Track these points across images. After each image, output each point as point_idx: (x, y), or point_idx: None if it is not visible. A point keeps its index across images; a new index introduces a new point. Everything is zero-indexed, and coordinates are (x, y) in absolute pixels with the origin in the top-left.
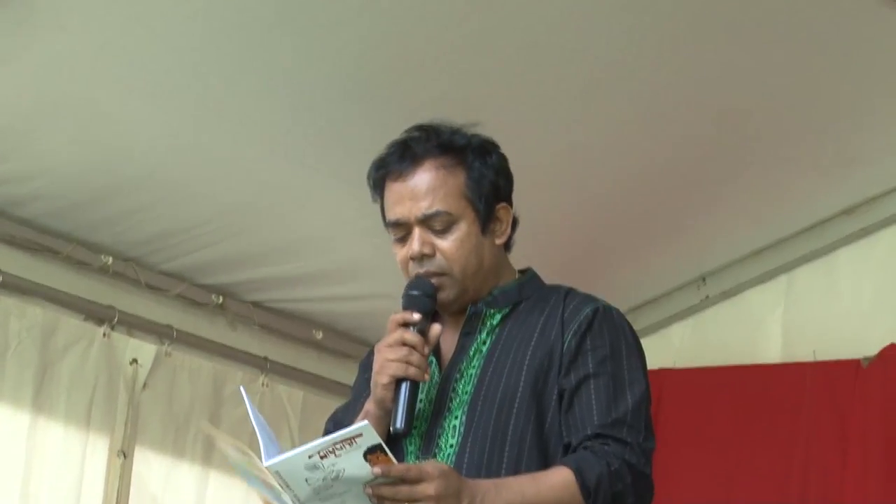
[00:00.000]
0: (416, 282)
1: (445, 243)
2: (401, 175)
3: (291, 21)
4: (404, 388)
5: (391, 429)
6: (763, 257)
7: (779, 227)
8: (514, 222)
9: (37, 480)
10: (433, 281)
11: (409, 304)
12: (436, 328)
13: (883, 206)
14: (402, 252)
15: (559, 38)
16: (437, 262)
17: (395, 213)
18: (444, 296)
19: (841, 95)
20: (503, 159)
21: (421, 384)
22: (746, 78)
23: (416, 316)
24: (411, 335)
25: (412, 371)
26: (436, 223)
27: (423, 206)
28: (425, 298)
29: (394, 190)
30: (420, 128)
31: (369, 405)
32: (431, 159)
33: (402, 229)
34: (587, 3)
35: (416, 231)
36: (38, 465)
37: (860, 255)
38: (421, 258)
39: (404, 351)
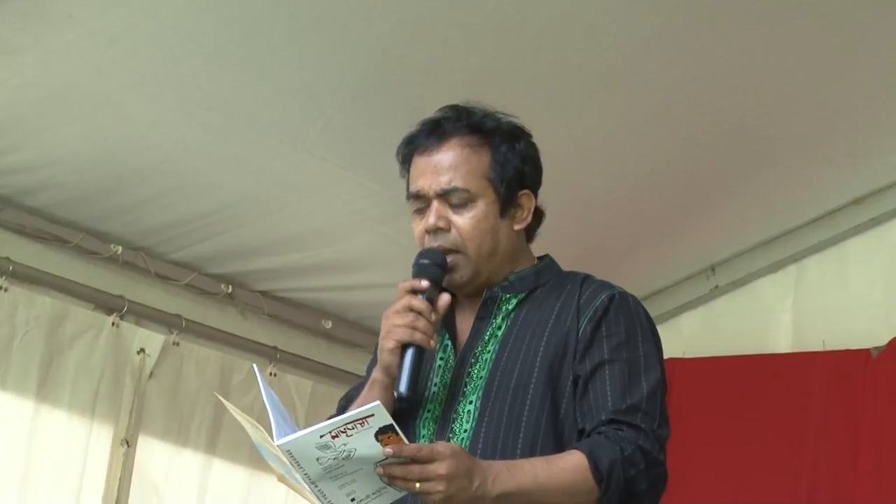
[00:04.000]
0: (427, 252)
1: (461, 220)
2: (427, 149)
3: (300, 13)
4: (410, 353)
5: (395, 393)
6: (772, 247)
7: (788, 217)
8: (540, 214)
9: (38, 468)
10: (448, 259)
11: (418, 272)
12: (444, 297)
13: (893, 196)
14: (419, 226)
15: (572, 35)
16: (452, 238)
17: (416, 184)
18: (457, 276)
19: (850, 86)
20: (532, 147)
21: (435, 367)
22: (756, 71)
23: (425, 283)
24: (419, 301)
25: (418, 336)
26: (454, 198)
27: (443, 181)
28: (435, 267)
29: (418, 164)
30: (453, 107)
31: (376, 373)
32: (458, 137)
33: (421, 201)
34: (600, 6)
35: (434, 204)
36: (39, 453)
37: (870, 245)
38: (435, 231)
39: (411, 316)
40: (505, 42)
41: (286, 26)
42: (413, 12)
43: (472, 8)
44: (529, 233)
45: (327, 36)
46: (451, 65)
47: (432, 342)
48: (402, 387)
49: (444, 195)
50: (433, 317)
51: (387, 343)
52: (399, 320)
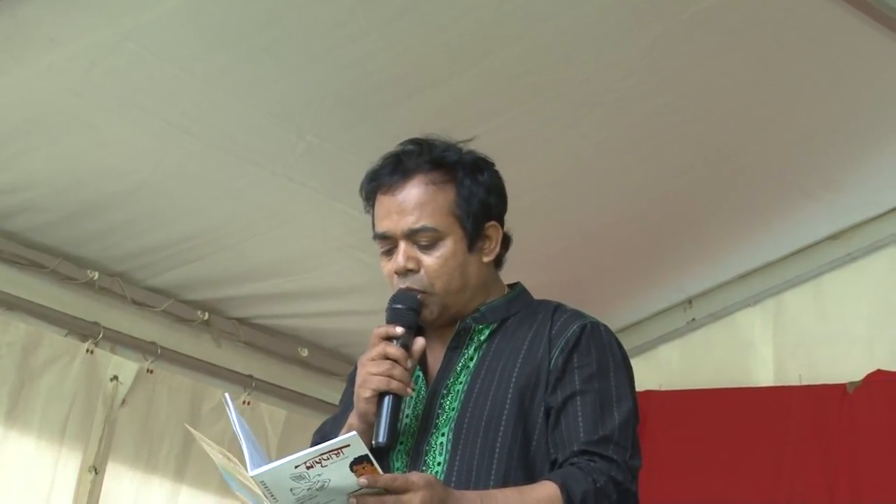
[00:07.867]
0: (401, 295)
1: (430, 259)
2: (390, 188)
3: (281, 39)
4: (387, 401)
5: (373, 443)
6: (749, 281)
7: (766, 251)
8: (507, 240)
9: (4, 494)
10: (418, 297)
11: (392, 317)
12: (419, 342)
13: (869, 232)
14: (388, 266)
15: (554, 63)
16: (420, 279)
17: (382, 225)
18: (427, 313)
19: (830, 120)
20: (496, 177)
21: (407, 399)
22: (736, 104)
23: (399, 330)
24: (394, 349)
25: (395, 385)
26: (421, 238)
27: (410, 221)
28: (409, 312)
29: (383, 203)
30: (414, 141)
31: (352, 419)
32: (422, 174)
33: (388, 242)
34: (582, 34)
35: (402, 245)
36: (6, 479)
37: (847, 280)
38: (405, 273)
39: (387, 365)
40: (486, 68)
41: (267, 52)
42: (395, 37)
43: (454, 34)
44: (498, 259)
45: (308, 62)
46: (432, 91)
47: (409, 390)
48: (381, 436)
49: (411, 235)
50: (409, 363)
51: (363, 392)
52: (375, 368)
